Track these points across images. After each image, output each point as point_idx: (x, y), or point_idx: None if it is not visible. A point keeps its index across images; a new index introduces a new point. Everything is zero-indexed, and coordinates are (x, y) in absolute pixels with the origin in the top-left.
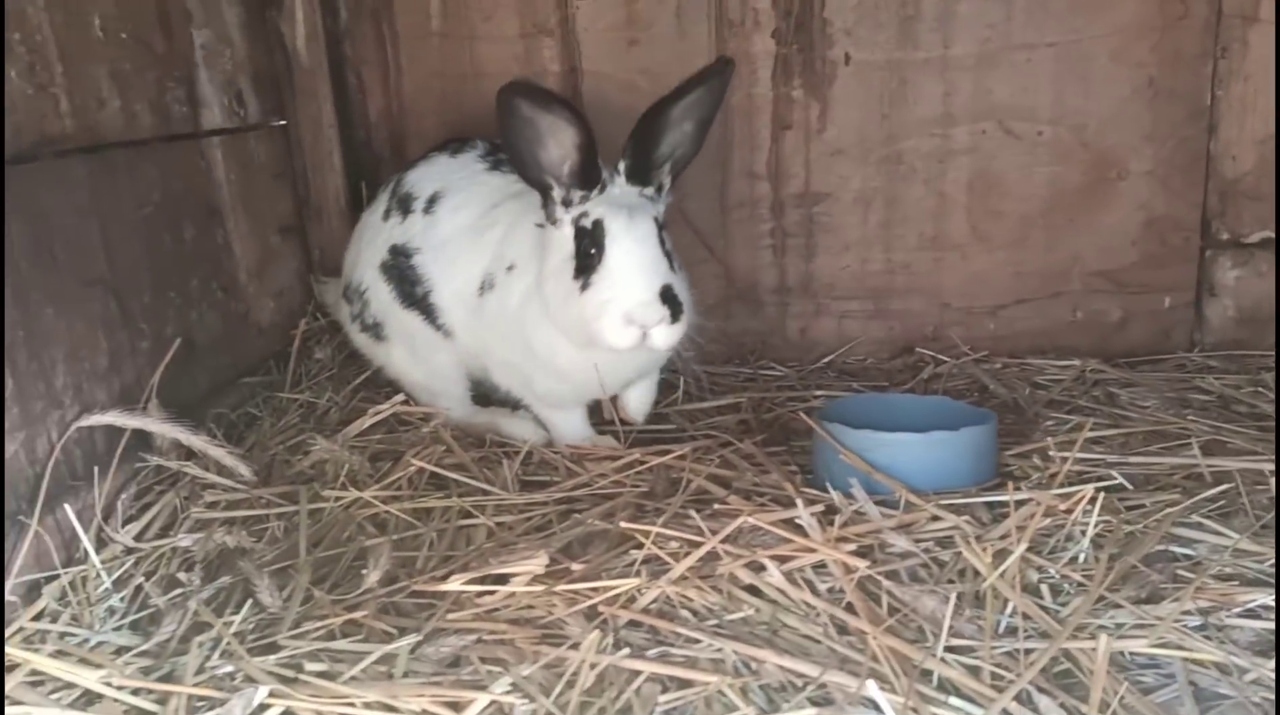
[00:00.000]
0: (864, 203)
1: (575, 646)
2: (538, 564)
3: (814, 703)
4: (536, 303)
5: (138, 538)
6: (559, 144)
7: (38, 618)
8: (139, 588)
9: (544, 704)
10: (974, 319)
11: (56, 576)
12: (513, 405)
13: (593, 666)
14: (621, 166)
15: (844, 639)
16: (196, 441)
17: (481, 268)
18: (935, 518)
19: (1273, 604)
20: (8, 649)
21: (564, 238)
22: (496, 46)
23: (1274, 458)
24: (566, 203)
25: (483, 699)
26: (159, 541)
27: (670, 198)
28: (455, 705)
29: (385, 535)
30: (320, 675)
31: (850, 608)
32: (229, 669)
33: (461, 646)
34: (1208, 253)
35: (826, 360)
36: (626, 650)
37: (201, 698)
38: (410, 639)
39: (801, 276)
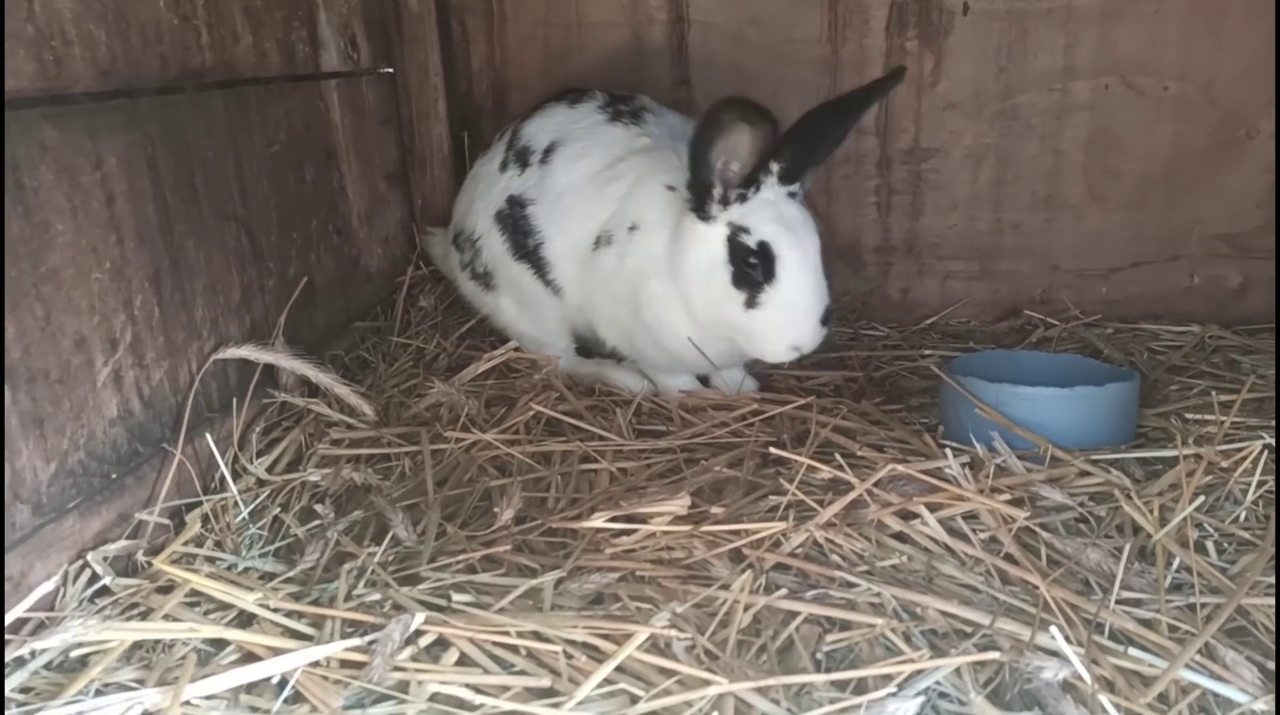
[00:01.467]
0: (975, 159)
1: (725, 587)
2: (679, 505)
3: (981, 650)
4: (659, 279)
5: (269, 471)
6: (741, 150)
7: (186, 542)
8: (276, 518)
9: (700, 641)
10: (1085, 282)
11: (198, 504)
12: (618, 358)
13: (747, 607)
14: (775, 168)
15: (1007, 588)
16: (325, 378)
17: (599, 222)
18: (1084, 473)
19: None
20: (165, 567)
21: (715, 237)
22: None
23: None
24: (724, 201)
25: (643, 632)
26: (289, 475)
27: (809, 187)
28: (611, 637)
29: (508, 477)
30: (468, 606)
31: (1010, 557)
32: (376, 596)
33: (605, 584)
34: None
35: (929, 322)
36: (783, 591)
37: (353, 623)
38: (555, 574)
39: (906, 235)
